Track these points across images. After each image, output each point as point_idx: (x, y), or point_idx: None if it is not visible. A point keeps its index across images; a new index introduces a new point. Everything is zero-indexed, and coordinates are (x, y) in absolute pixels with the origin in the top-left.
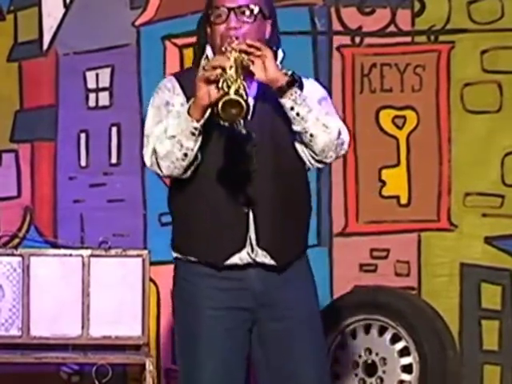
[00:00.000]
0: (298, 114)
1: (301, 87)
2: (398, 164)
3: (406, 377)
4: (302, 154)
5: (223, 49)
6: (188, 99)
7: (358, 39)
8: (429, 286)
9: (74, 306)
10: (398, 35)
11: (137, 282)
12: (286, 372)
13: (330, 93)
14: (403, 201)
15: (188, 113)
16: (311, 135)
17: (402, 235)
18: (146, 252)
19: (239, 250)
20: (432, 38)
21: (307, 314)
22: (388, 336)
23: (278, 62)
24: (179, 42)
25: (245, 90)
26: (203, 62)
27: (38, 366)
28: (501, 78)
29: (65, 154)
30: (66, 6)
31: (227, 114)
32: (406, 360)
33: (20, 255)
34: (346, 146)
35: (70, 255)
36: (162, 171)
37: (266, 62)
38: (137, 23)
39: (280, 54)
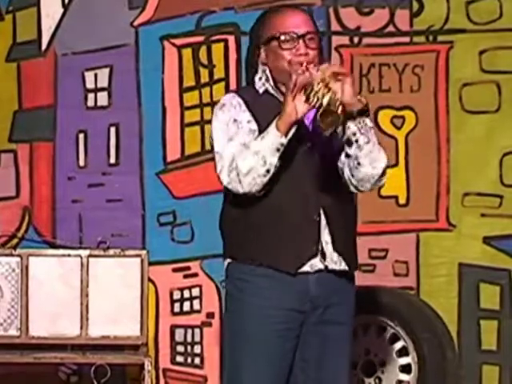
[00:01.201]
0: (356, 141)
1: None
2: (396, 164)
3: (404, 377)
4: (341, 173)
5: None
6: (253, 115)
7: (356, 39)
8: (427, 286)
9: (72, 306)
10: (396, 35)
11: (135, 282)
12: (318, 377)
13: None
14: (402, 201)
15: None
16: (358, 163)
17: (401, 235)
18: (144, 252)
19: (312, 257)
20: (430, 38)
21: (350, 324)
22: (387, 336)
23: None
24: (178, 42)
25: (337, 100)
26: (258, 81)
27: (37, 366)
28: (499, 78)
29: (63, 154)
30: (65, 7)
31: (325, 123)
32: (404, 360)
33: (18, 255)
34: (381, 184)
35: (69, 255)
36: (243, 188)
37: (345, 86)
38: (135, 23)
39: None
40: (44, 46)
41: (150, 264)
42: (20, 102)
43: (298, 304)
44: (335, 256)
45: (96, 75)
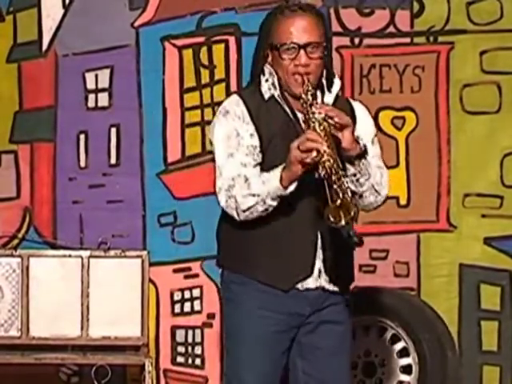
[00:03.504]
0: (357, 180)
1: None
2: (397, 165)
3: (405, 377)
4: None
5: (306, 116)
6: (257, 128)
7: (357, 40)
8: (428, 287)
9: (73, 307)
10: (397, 36)
11: (136, 283)
12: (321, 377)
13: None
14: (402, 202)
15: (279, 178)
16: (360, 196)
17: (402, 236)
18: (145, 253)
19: (306, 277)
20: (431, 38)
21: (348, 322)
22: (387, 337)
23: (335, 92)
24: (178, 42)
25: (347, 188)
26: (264, 83)
27: (38, 366)
28: (500, 78)
29: (64, 155)
30: (65, 7)
31: (336, 218)
32: (405, 361)
33: (19, 256)
34: (383, 201)
35: (70, 256)
36: (239, 218)
37: (345, 131)
38: (136, 24)
39: (337, 82)
40: (45, 47)
41: (151, 265)
42: (21, 103)
43: (296, 307)
44: (327, 278)
45: (97, 76)
